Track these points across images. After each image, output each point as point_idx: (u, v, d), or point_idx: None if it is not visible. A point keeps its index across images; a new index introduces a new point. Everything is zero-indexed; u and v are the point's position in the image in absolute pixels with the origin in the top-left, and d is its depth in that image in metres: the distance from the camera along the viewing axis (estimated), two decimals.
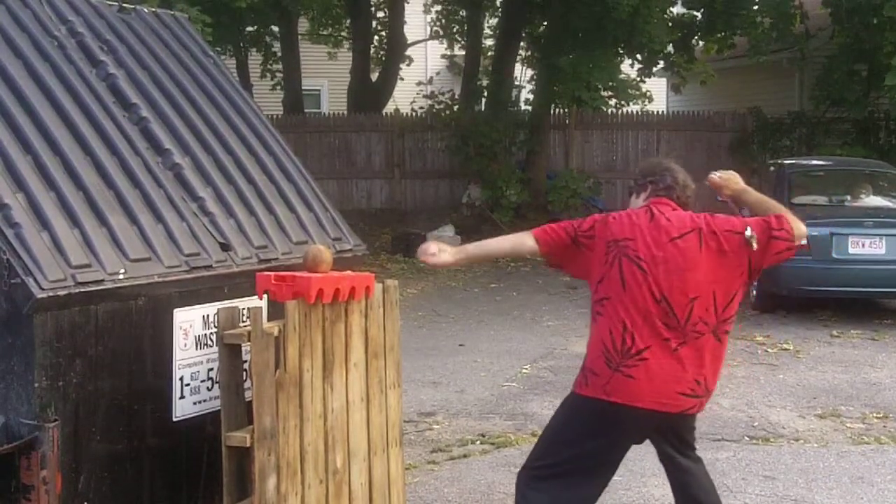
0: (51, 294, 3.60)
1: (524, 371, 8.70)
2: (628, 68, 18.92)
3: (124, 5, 5.27)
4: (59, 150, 4.13)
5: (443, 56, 26.28)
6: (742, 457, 6.40)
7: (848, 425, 7.15)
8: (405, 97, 22.30)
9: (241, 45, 21.07)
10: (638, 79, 18.64)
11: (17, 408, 3.68)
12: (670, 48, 18.59)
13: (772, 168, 13.00)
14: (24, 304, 3.58)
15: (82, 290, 3.72)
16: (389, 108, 21.47)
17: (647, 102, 19.18)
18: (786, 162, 13.20)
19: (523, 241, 4.27)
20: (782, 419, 7.27)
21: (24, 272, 3.58)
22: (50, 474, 3.65)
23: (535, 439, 4.49)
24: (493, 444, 6.62)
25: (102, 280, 3.81)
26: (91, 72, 4.65)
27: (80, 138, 4.26)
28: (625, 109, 19.20)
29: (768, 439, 6.80)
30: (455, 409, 7.50)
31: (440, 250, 4.25)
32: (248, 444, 3.82)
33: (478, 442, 6.69)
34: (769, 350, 9.57)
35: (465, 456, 6.41)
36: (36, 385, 3.64)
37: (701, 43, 19.45)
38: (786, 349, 9.60)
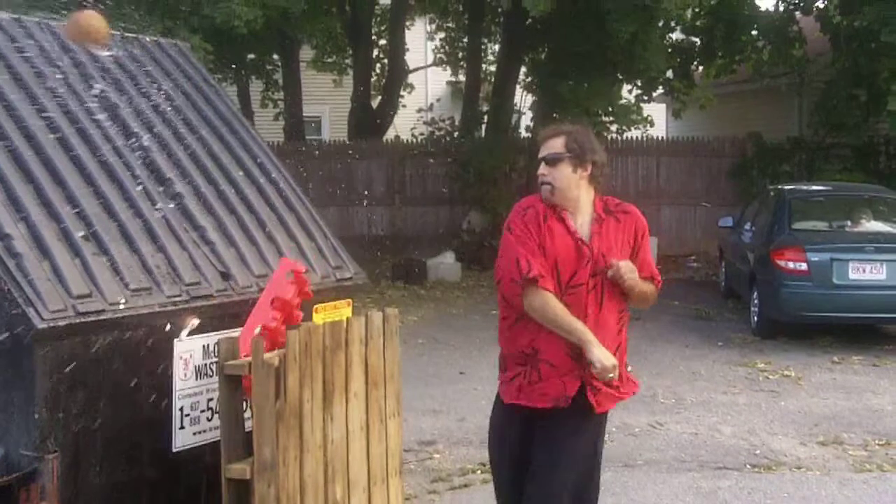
0: (51, 324, 3.60)
1: None
2: (629, 94, 18.97)
3: (126, 34, 5.30)
4: (61, 178, 4.14)
5: (447, 83, 26.35)
6: (744, 485, 6.36)
7: (850, 452, 7.12)
8: (406, 123, 22.35)
9: (243, 72, 21.15)
10: (635, 105, 18.69)
11: (17, 439, 3.67)
12: (669, 73, 18.64)
13: (772, 194, 13.02)
14: (24, 334, 3.58)
15: (83, 320, 3.72)
16: (390, 134, 21.53)
17: (648, 127, 19.21)
18: (786, 188, 13.21)
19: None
20: (784, 447, 7.24)
21: (24, 302, 3.59)
22: None
23: None
24: None
25: (103, 310, 3.81)
26: (93, 101, 4.67)
27: (81, 167, 4.27)
28: (625, 135, 19.23)
29: (770, 467, 6.77)
30: (456, 438, 7.46)
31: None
32: (248, 477, 3.80)
33: (479, 471, 6.64)
34: (770, 377, 9.54)
35: (465, 485, 6.36)
36: (36, 416, 3.63)
37: (700, 68, 19.51)
38: (787, 376, 9.57)
